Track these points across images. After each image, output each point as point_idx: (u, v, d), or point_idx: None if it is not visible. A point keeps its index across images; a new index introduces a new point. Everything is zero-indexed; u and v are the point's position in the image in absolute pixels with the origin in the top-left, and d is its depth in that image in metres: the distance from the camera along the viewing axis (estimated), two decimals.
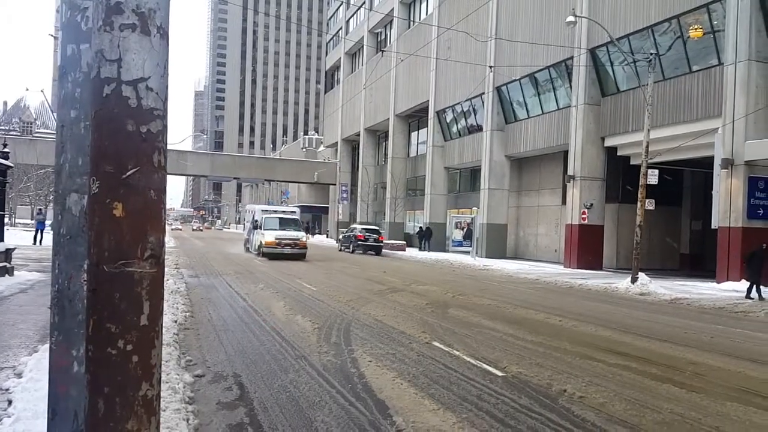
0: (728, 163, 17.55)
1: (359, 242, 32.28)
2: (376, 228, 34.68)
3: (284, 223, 25.36)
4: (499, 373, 6.23)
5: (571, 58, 24.56)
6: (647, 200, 18.02)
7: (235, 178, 65.63)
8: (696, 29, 17.73)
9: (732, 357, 7.62)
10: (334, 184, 55.93)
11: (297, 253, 23.93)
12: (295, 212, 27.91)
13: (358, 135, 50.08)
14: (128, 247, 1.73)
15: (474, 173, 34.45)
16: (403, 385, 5.67)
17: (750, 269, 14.91)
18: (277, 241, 23.76)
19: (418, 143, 42.36)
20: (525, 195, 31.99)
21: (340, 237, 37.67)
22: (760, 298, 14.39)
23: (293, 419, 4.66)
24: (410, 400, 5.20)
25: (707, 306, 13.33)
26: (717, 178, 17.84)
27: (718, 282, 17.66)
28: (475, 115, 33.57)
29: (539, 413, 4.93)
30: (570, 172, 24.70)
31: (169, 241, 33.64)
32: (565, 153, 25.90)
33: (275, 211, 27.92)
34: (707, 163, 19.17)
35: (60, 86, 2.32)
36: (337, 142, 55.89)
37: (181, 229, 78.76)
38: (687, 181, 26.73)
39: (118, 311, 1.71)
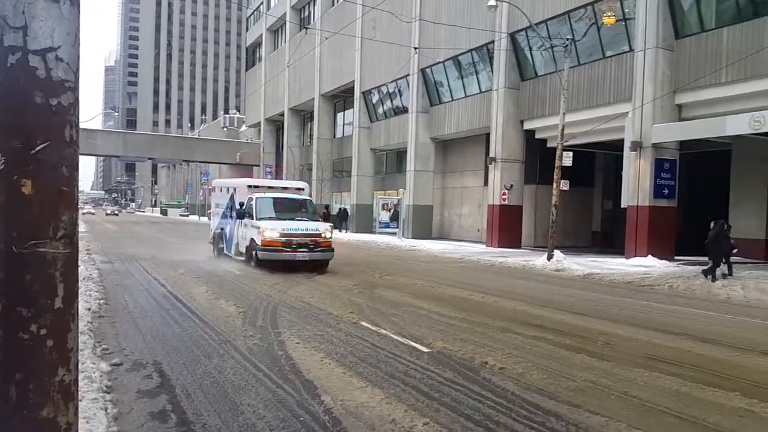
0: (637, 146, 18.61)
1: None
2: None
3: (290, 208, 15.20)
4: (425, 349, 6.39)
5: (493, 42, 25.11)
6: (562, 181, 18.81)
7: (150, 159, 62.77)
8: (609, 16, 18.55)
9: (639, 327, 8.17)
10: (258, 166, 54.76)
11: (318, 260, 14.26)
12: (303, 189, 17.20)
13: (282, 115, 49.11)
14: (39, 227, 1.63)
15: (400, 155, 34.73)
16: (331, 365, 5.70)
17: (716, 250, 13.64)
18: (283, 239, 13.85)
19: (344, 124, 42.09)
20: (449, 176, 32.62)
21: None
22: (714, 279, 13.28)
23: (218, 404, 4.58)
24: (338, 380, 5.24)
25: (617, 281, 14.16)
26: (627, 159, 18.90)
27: (627, 258, 18.80)
28: (400, 96, 33.75)
29: (462, 385, 5.11)
30: (491, 154, 25.38)
31: (80, 225, 31.85)
32: (488, 135, 26.54)
33: (270, 188, 16.80)
34: (618, 145, 20.23)
35: None
36: (260, 122, 54.57)
37: (93, 213, 74.18)
38: (599, 163, 28.14)
39: (30, 294, 1.62)
